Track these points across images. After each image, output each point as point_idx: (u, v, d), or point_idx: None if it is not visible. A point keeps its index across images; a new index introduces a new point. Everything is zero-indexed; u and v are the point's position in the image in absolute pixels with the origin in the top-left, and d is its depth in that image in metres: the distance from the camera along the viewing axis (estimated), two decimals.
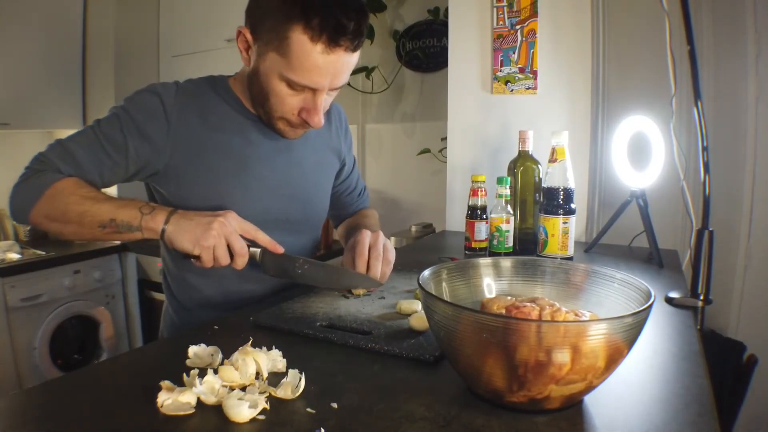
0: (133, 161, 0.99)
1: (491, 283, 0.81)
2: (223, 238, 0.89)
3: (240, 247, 0.91)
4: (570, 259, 1.31)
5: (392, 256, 1.05)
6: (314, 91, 0.95)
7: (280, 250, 0.95)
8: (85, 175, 0.98)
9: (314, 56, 0.89)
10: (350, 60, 0.93)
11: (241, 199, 1.05)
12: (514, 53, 1.79)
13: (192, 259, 0.91)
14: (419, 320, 0.85)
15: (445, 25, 2.09)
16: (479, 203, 1.43)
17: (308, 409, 0.62)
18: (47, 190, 0.93)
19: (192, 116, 1.02)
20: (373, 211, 1.39)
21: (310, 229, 1.20)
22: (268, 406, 0.61)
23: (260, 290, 1.11)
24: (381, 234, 1.06)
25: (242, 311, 1.00)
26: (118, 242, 2.59)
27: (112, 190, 1.07)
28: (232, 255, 0.92)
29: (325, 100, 0.98)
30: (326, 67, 0.90)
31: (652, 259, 1.39)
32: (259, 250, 0.96)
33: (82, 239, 1.00)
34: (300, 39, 0.88)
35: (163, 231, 0.91)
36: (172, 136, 1.00)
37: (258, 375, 0.69)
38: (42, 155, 0.98)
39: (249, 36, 0.95)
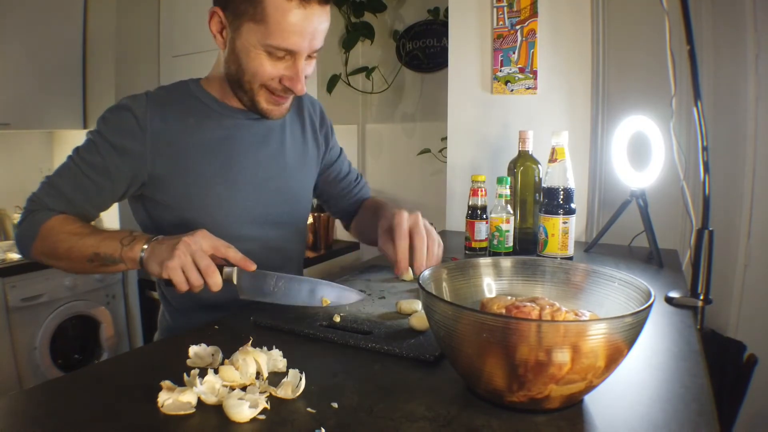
0: (118, 180, 1.01)
1: (491, 283, 0.81)
2: (189, 257, 0.86)
3: (206, 265, 0.86)
4: (570, 258, 1.31)
5: (437, 236, 0.99)
6: (294, 56, 0.94)
7: (252, 267, 0.91)
8: (75, 206, 1.01)
9: (291, 14, 0.89)
10: (325, 17, 0.94)
11: (226, 198, 1.06)
12: (514, 53, 1.79)
13: (171, 285, 0.89)
14: (419, 320, 0.85)
15: (445, 25, 2.09)
16: (479, 203, 1.43)
17: (308, 409, 0.62)
18: (40, 230, 0.97)
19: (167, 121, 1.02)
20: (382, 199, 1.31)
21: (295, 222, 1.20)
22: (268, 406, 0.61)
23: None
24: (420, 215, 0.98)
25: (242, 311, 1.00)
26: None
27: (113, 210, 1.09)
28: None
29: (306, 68, 0.97)
30: (304, 26, 0.91)
31: (652, 258, 1.39)
32: (233, 269, 0.91)
33: (78, 273, 1.02)
34: (274, 0, 0.89)
35: (141, 259, 0.91)
36: (150, 145, 1.00)
37: (258, 375, 0.69)
38: (34, 195, 1.01)
39: (222, 15, 0.96)
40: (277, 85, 0.99)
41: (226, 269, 0.90)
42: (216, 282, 0.88)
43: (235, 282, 0.91)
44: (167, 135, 1.01)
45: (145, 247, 0.91)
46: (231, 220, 1.06)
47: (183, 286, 0.87)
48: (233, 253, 0.90)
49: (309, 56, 0.98)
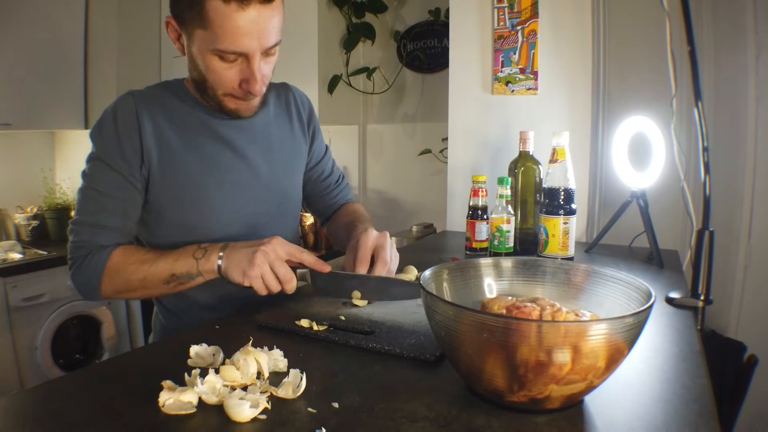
0: (138, 184, 1.01)
1: (492, 283, 0.81)
2: (268, 266, 0.91)
3: (284, 273, 0.92)
4: (570, 259, 1.31)
5: (395, 266, 1.03)
6: (247, 58, 0.93)
7: (327, 269, 0.96)
8: (123, 232, 1.01)
9: (233, 18, 0.87)
10: (270, 14, 0.91)
11: (215, 198, 1.06)
12: (514, 54, 1.79)
13: (249, 288, 0.94)
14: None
15: (446, 25, 2.09)
16: (480, 203, 1.43)
17: (309, 409, 0.62)
18: (104, 272, 0.97)
19: (158, 119, 1.02)
20: (360, 207, 1.34)
21: (287, 220, 1.19)
22: (269, 406, 0.61)
23: (248, 291, 1.10)
24: (388, 236, 1.04)
25: (243, 311, 1.00)
26: None
27: None
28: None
29: (264, 67, 0.96)
30: (248, 27, 0.89)
31: (653, 259, 1.39)
32: (306, 270, 0.97)
33: (154, 297, 1.08)
34: (214, 5, 0.87)
35: (219, 268, 0.95)
36: (144, 141, 1.00)
37: (259, 375, 0.69)
38: (76, 242, 0.99)
39: (175, 23, 0.95)
40: (238, 92, 0.98)
41: (300, 271, 0.97)
42: (293, 287, 0.94)
43: (309, 282, 0.97)
44: (156, 133, 1.01)
45: (221, 254, 0.95)
46: (221, 221, 1.06)
47: (263, 292, 0.93)
48: (307, 257, 0.96)
49: (267, 54, 0.95)
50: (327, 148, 1.32)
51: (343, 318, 0.92)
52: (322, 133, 1.30)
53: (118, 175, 0.99)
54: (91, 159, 1.01)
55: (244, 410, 0.59)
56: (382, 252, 1.00)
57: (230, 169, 1.07)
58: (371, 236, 1.02)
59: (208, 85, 0.98)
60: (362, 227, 1.09)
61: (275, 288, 0.92)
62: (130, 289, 0.99)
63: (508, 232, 1.39)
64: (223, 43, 0.90)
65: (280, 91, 1.21)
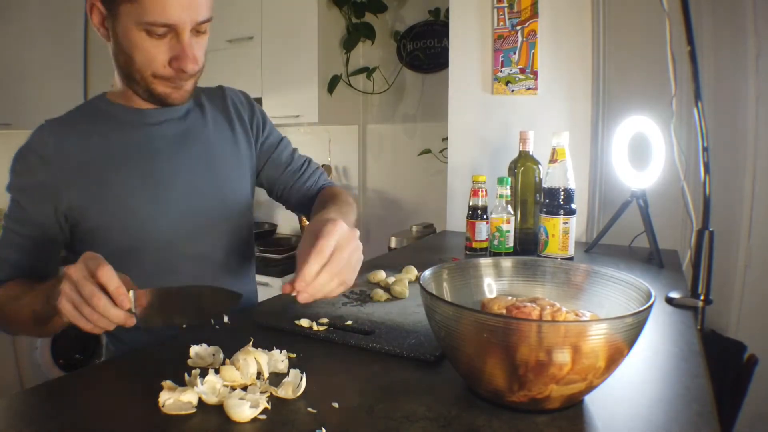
0: (47, 223, 0.96)
1: (492, 283, 0.81)
2: (75, 291, 0.70)
3: (88, 292, 0.69)
4: (570, 259, 1.31)
5: (342, 267, 0.78)
6: (176, 32, 0.87)
7: (125, 306, 0.71)
8: (21, 268, 0.96)
9: None
10: None
11: (152, 211, 0.99)
12: (514, 54, 1.79)
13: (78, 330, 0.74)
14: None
15: (446, 25, 2.09)
16: (480, 203, 1.43)
17: (309, 409, 0.62)
18: None
19: (73, 145, 0.96)
20: (341, 190, 1.19)
21: (234, 228, 1.11)
22: (269, 406, 0.61)
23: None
24: (342, 226, 0.79)
25: (243, 312, 1.00)
26: None
27: None
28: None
29: (195, 47, 0.90)
30: None
31: (653, 259, 1.39)
32: (131, 292, 0.71)
33: (42, 336, 0.94)
34: None
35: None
36: (58, 175, 0.94)
37: (259, 375, 0.69)
38: None
39: (99, 4, 0.88)
40: (168, 71, 0.91)
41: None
42: (112, 314, 0.70)
43: (133, 309, 0.72)
44: (75, 162, 0.95)
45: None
46: (164, 238, 1.00)
47: (87, 325, 0.72)
48: (108, 280, 0.70)
49: (198, 31, 0.90)
50: (283, 138, 1.23)
51: (342, 318, 0.92)
52: (272, 125, 1.22)
53: (23, 212, 0.95)
54: (6, 190, 0.98)
55: (244, 410, 0.59)
56: (337, 255, 0.77)
57: (166, 182, 1.00)
58: (335, 231, 0.78)
59: (136, 67, 0.91)
60: (331, 212, 0.94)
61: (90, 315, 0.70)
62: (10, 323, 0.91)
63: (508, 232, 1.39)
64: (152, 14, 0.84)
65: (216, 93, 1.15)
